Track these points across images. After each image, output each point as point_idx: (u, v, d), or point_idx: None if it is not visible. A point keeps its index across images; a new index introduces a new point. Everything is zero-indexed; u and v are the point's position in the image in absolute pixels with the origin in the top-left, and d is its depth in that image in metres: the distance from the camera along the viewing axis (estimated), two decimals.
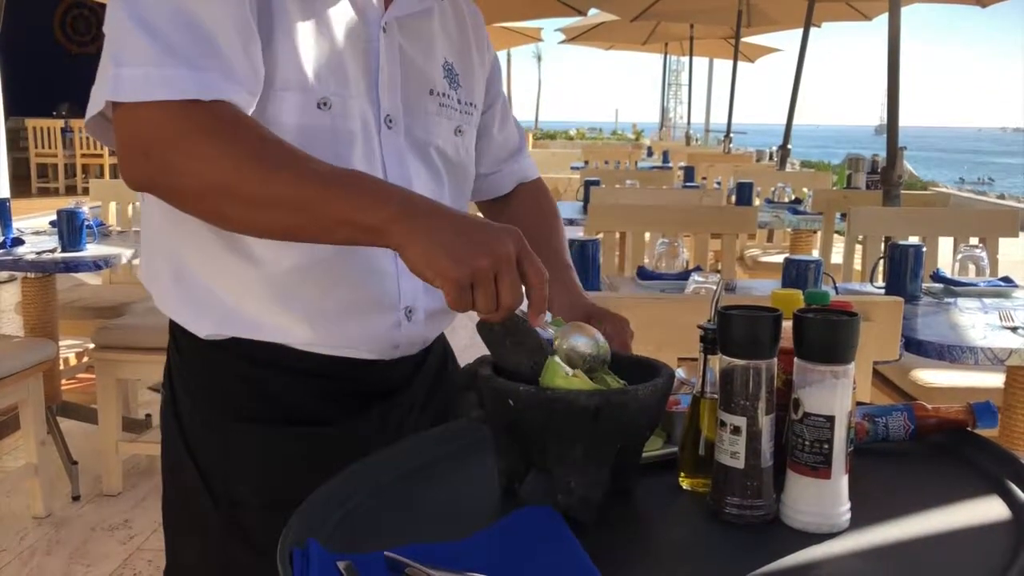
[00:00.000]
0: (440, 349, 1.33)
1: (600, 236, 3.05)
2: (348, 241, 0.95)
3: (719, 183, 6.33)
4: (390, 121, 1.15)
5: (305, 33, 1.06)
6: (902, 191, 3.88)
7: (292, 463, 1.13)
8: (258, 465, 1.15)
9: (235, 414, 1.15)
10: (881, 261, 2.73)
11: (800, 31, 7.15)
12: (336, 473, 0.96)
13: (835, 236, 4.33)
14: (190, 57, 0.96)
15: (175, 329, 1.20)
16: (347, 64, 1.10)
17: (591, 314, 1.14)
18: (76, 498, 3.20)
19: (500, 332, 0.93)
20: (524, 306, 0.91)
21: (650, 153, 10.80)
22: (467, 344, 1.38)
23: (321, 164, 0.95)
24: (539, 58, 41.56)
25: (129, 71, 0.95)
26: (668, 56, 18.52)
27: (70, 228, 3.15)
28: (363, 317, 1.15)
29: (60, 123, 11.18)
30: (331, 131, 1.08)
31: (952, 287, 2.62)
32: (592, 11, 10.01)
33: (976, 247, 2.89)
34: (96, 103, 0.99)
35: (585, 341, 0.94)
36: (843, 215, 3.95)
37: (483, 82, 1.33)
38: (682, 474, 0.99)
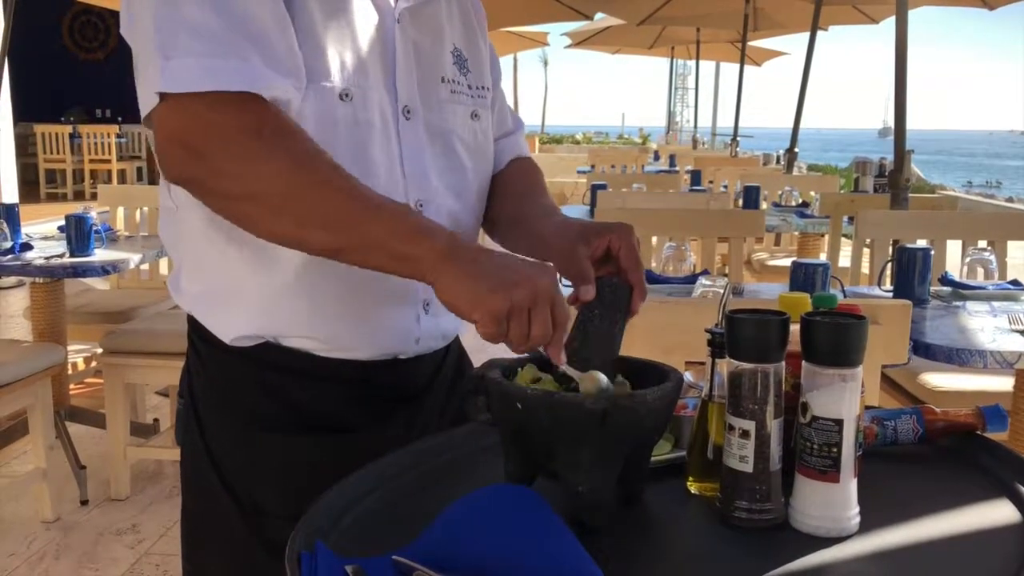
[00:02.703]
0: (456, 352, 1.33)
1: None
2: (382, 268, 0.96)
3: (726, 187, 6.33)
4: (408, 112, 1.15)
5: (324, 26, 1.07)
6: (910, 194, 3.87)
7: (318, 472, 1.10)
8: (283, 474, 1.14)
9: (260, 424, 1.15)
10: (889, 264, 2.72)
11: (807, 34, 7.15)
12: (345, 477, 0.96)
13: (843, 240, 4.32)
14: (237, 48, 0.96)
15: (195, 339, 1.19)
16: (366, 56, 1.11)
17: (588, 231, 1.09)
18: (84, 502, 3.21)
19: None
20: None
21: (657, 157, 10.80)
22: (475, 347, 1.38)
23: (367, 188, 0.96)
24: (545, 63, 41.64)
25: (178, 62, 0.95)
26: (675, 60, 18.51)
27: (78, 233, 3.16)
28: (383, 310, 1.15)
29: (68, 129, 11.23)
30: (353, 123, 1.08)
31: (960, 290, 2.61)
32: (598, 15, 10.02)
33: (985, 250, 2.88)
34: (149, 98, 0.98)
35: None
36: (851, 218, 3.95)
37: (489, 66, 1.34)
38: (690, 478, 0.99)
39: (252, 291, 1.12)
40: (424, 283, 0.94)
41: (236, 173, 0.95)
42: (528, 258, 0.97)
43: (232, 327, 1.14)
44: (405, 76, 1.15)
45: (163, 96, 0.96)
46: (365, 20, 1.12)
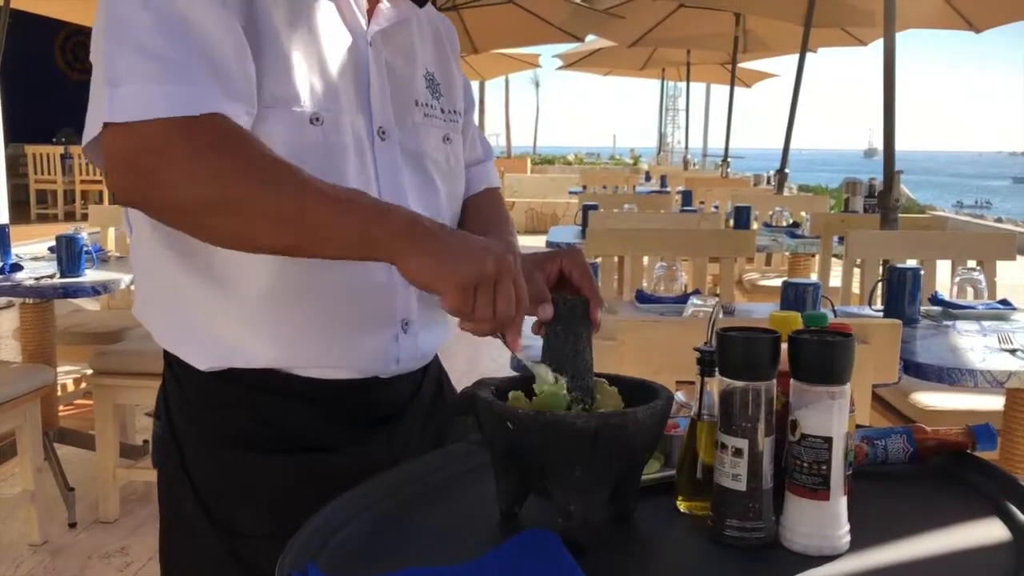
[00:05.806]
0: (436, 373, 1.33)
1: (599, 260, 3.07)
2: (343, 256, 0.96)
3: (717, 207, 6.35)
4: (383, 133, 1.16)
5: (293, 49, 1.07)
6: (899, 215, 3.89)
7: (294, 491, 1.11)
8: (260, 494, 1.13)
9: (237, 443, 1.14)
10: (879, 284, 2.73)
11: (796, 56, 7.21)
12: (335, 498, 0.96)
13: (833, 260, 4.33)
14: (187, 73, 0.96)
15: (171, 359, 1.18)
16: (337, 79, 1.11)
17: (541, 259, 1.11)
18: (73, 525, 3.18)
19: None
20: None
21: (648, 178, 10.84)
22: (465, 369, 1.37)
23: (320, 181, 0.96)
24: (537, 84, 41.79)
25: (125, 90, 0.94)
26: (665, 81, 18.69)
27: (69, 254, 3.15)
28: (362, 332, 1.15)
29: (60, 149, 11.22)
30: (323, 146, 1.08)
31: (950, 310, 2.62)
32: (590, 37, 10.10)
33: (974, 270, 2.90)
34: (93, 127, 0.98)
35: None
36: (841, 238, 3.96)
37: (461, 91, 1.35)
38: (680, 497, 0.99)
39: (217, 320, 1.11)
40: (387, 263, 0.93)
41: (183, 184, 0.94)
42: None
43: (204, 357, 1.13)
44: (379, 98, 1.16)
45: (107, 124, 0.95)
46: (337, 43, 1.12)
